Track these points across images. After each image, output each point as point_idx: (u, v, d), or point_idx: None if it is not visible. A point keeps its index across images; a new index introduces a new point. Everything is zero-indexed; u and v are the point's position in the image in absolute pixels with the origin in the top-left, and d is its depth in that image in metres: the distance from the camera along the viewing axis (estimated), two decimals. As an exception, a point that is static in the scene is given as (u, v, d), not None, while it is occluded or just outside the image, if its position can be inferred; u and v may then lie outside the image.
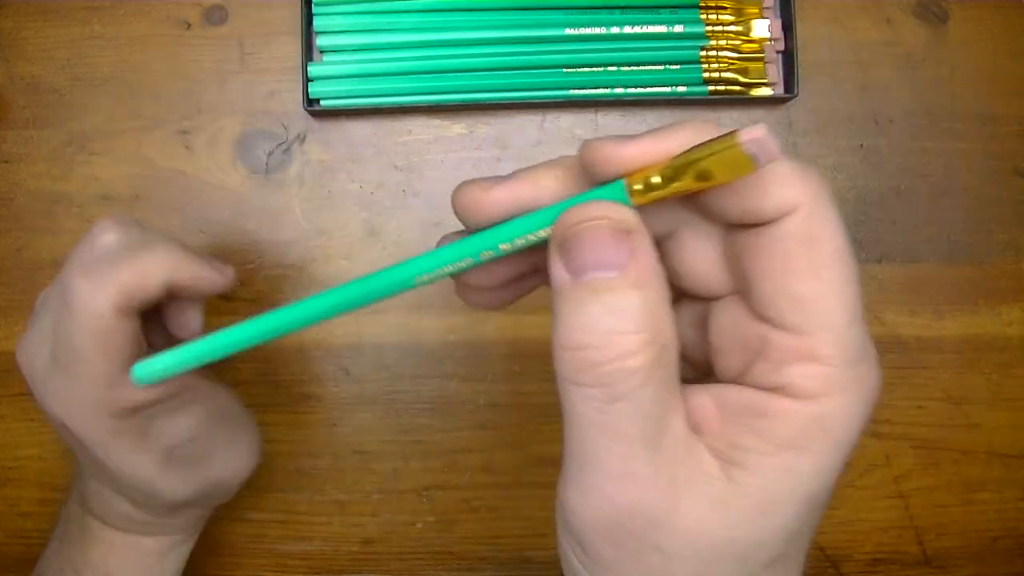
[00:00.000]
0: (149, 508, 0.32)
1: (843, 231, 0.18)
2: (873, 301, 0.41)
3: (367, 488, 0.41)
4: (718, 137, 0.17)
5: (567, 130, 0.41)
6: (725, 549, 0.18)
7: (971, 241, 0.41)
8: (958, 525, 0.41)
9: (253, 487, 0.40)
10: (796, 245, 0.18)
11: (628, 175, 0.18)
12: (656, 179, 0.18)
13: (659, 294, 0.17)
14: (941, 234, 0.41)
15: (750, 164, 0.16)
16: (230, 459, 0.32)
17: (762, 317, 0.18)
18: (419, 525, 0.40)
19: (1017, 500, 0.41)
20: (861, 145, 0.41)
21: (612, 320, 0.17)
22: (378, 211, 0.41)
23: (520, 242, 0.20)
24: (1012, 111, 0.41)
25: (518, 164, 0.41)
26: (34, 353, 0.28)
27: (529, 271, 0.23)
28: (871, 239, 0.41)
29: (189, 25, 0.41)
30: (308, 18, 0.39)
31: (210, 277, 0.29)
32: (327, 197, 0.41)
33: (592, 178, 0.19)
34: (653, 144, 0.18)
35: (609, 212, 0.17)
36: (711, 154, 0.17)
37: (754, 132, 0.16)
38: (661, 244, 0.20)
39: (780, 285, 0.18)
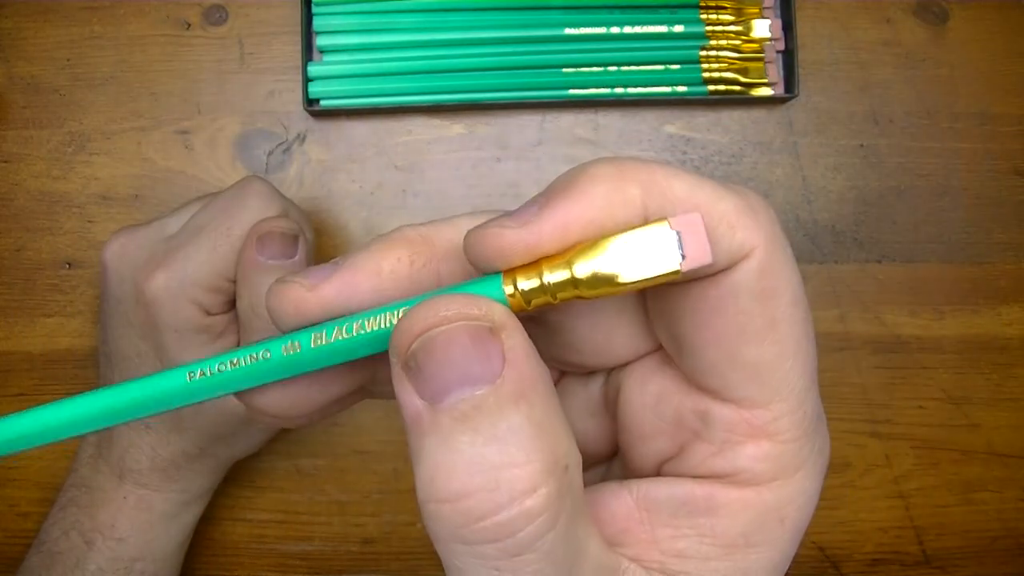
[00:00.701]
0: (184, 437, 0.32)
1: (797, 273, 0.15)
2: (873, 301, 0.41)
3: (367, 488, 0.40)
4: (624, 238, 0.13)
5: (567, 130, 0.41)
6: None
7: (971, 241, 0.41)
8: (958, 525, 0.41)
9: (253, 487, 0.40)
10: (750, 301, 0.14)
11: (512, 268, 0.14)
12: (549, 278, 0.13)
13: (547, 402, 0.13)
14: (941, 234, 0.41)
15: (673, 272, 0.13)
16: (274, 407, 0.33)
17: (701, 388, 0.15)
18: (419, 525, 0.40)
19: (1017, 500, 0.41)
20: (861, 145, 0.41)
21: (493, 453, 0.13)
22: (378, 211, 0.41)
23: (338, 348, 0.14)
24: (1012, 111, 0.41)
25: (518, 164, 0.41)
26: (144, 237, 0.31)
27: (347, 392, 0.17)
28: (871, 239, 0.41)
29: (189, 25, 0.41)
30: (308, 18, 0.39)
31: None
32: (327, 197, 0.41)
33: (483, 267, 0.14)
34: (553, 221, 0.13)
35: (465, 308, 0.13)
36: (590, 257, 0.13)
37: (674, 229, 0.13)
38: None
39: (729, 350, 0.14)
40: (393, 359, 0.13)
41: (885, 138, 0.41)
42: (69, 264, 0.40)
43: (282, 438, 0.41)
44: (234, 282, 0.30)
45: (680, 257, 0.13)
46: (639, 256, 0.13)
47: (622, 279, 0.13)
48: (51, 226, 0.40)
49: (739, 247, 0.14)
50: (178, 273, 0.30)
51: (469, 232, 0.14)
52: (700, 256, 0.13)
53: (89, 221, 0.40)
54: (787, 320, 0.14)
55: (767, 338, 0.14)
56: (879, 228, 0.41)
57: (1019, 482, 0.41)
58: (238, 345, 0.32)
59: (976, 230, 0.41)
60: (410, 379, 0.13)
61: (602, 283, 0.13)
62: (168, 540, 0.35)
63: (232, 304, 0.32)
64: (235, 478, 0.40)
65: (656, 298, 0.15)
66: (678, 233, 0.13)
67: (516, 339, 0.13)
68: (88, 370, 0.40)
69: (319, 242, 0.40)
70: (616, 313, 0.16)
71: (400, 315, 0.14)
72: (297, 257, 0.30)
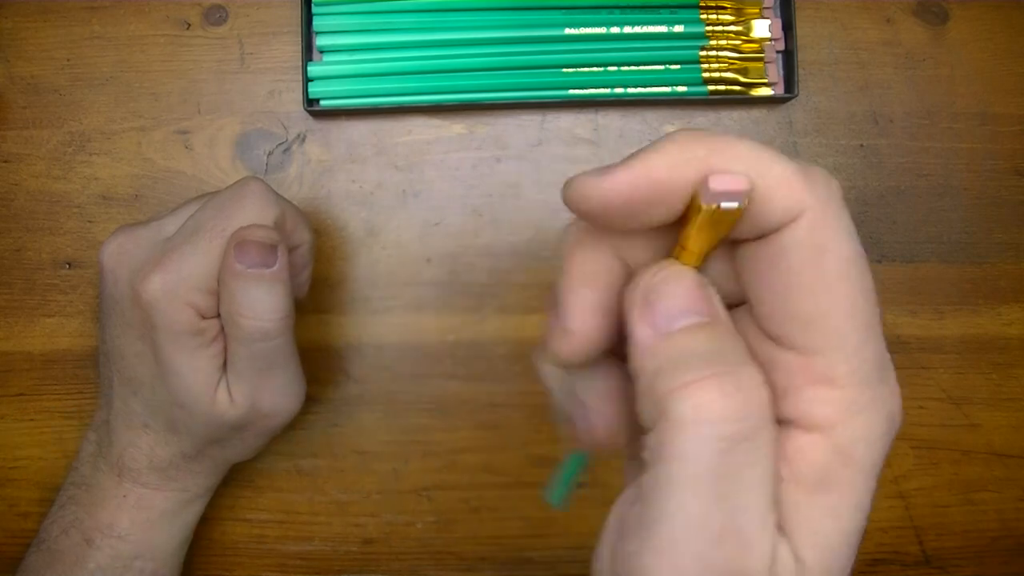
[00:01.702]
0: (180, 438, 0.32)
1: (854, 237, 0.17)
2: (873, 301, 0.41)
3: (367, 488, 0.41)
4: (689, 209, 0.17)
5: (567, 130, 0.41)
6: None
7: (971, 241, 0.41)
8: (958, 525, 0.41)
9: (253, 487, 0.40)
10: (800, 257, 0.16)
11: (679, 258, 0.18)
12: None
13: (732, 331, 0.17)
14: (941, 234, 0.41)
15: (730, 215, 0.16)
16: (279, 395, 0.33)
17: (768, 336, 0.17)
18: (419, 525, 0.40)
19: (1017, 500, 0.41)
20: (861, 145, 0.41)
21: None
22: (378, 211, 0.41)
23: None
24: (1012, 111, 0.41)
25: (518, 164, 0.41)
26: (142, 238, 0.31)
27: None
28: (871, 239, 0.41)
29: (189, 25, 0.41)
30: (308, 18, 0.39)
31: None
32: (327, 197, 0.41)
33: (577, 213, 0.18)
34: (631, 173, 0.16)
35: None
36: (696, 230, 0.17)
37: (716, 183, 0.16)
38: None
39: (785, 302, 0.16)
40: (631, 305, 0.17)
41: (885, 138, 0.41)
42: (69, 264, 0.40)
43: (282, 438, 0.41)
44: None
45: (724, 204, 0.16)
46: (703, 224, 0.16)
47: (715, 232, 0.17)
48: (51, 226, 0.40)
49: (791, 207, 0.16)
50: (173, 275, 0.29)
51: (566, 181, 0.17)
52: (731, 196, 0.16)
53: (89, 221, 0.40)
54: (838, 278, 0.16)
55: (818, 292, 0.16)
56: (879, 228, 0.41)
57: (1019, 482, 0.41)
58: (224, 356, 0.31)
59: (976, 230, 0.41)
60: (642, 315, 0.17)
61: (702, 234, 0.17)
62: (168, 538, 0.35)
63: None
64: (235, 478, 0.40)
65: (738, 257, 0.18)
66: (708, 180, 0.16)
67: (712, 290, 0.17)
68: (88, 370, 0.40)
69: (319, 242, 0.40)
70: (717, 268, 0.19)
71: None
72: (276, 266, 0.30)
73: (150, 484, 0.33)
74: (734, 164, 0.16)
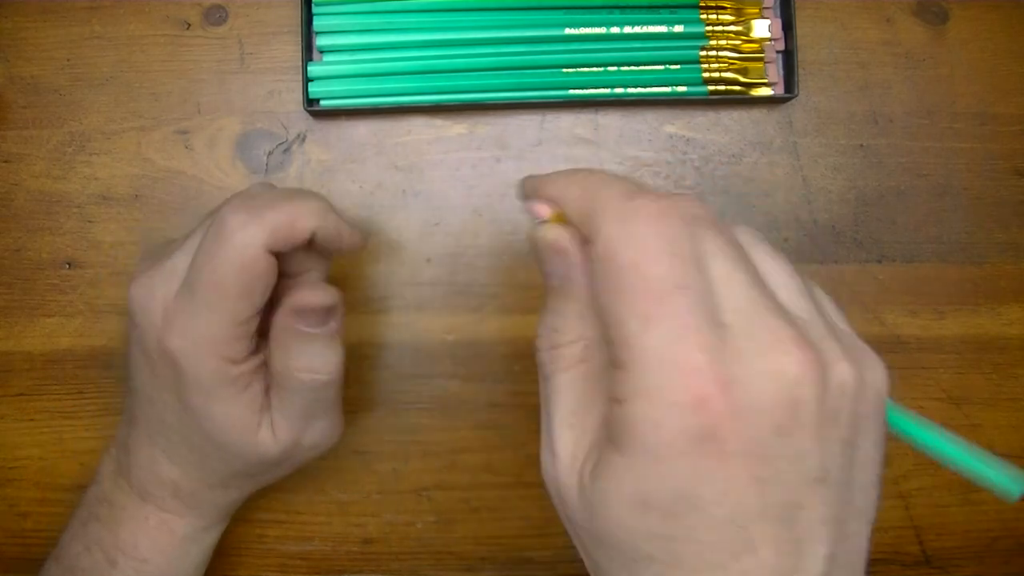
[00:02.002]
0: (206, 473, 0.32)
1: (660, 259, 0.19)
2: (873, 301, 0.41)
3: (367, 488, 0.41)
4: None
5: (567, 130, 0.41)
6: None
7: (971, 241, 0.41)
8: (958, 525, 0.41)
9: (253, 487, 0.41)
10: (597, 271, 0.20)
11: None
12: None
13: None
14: (941, 234, 0.41)
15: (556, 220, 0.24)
16: (324, 433, 0.32)
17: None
18: (419, 525, 0.40)
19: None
20: (861, 145, 0.41)
21: None
22: (378, 211, 0.41)
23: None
24: (1012, 111, 0.41)
25: (518, 164, 0.41)
26: (158, 285, 0.29)
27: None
28: (871, 239, 0.41)
29: (189, 25, 0.41)
30: (308, 18, 0.39)
31: (350, 234, 0.30)
32: (327, 197, 0.40)
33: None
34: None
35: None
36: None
37: (536, 210, 0.24)
38: None
39: (594, 304, 0.21)
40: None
41: (885, 138, 0.41)
42: (69, 264, 0.40)
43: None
44: (247, 323, 0.29)
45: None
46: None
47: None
48: (51, 226, 0.40)
49: (583, 225, 0.21)
50: (191, 332, 0.28)
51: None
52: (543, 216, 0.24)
53: (89, 221, 0.40)
54: (617, 277, 0.20)
55: (605, 290, 0.20)
56: (879, 228, 0.41)
57: (1019, 482, 0.41)
58: (265, 395, 0.31)
59: (976, 230, 0.41)
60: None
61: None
62: (188, 562, 0.34)
63: (255, 348, 0.30)
64: (235, 478, 0.40)
65: None
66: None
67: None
68: (88, 370, 0.40)
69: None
70: None
71: None
72: (332, 325, 0.30)
73: (171, 510, 0.33)
74: (567, 190, 0.23)
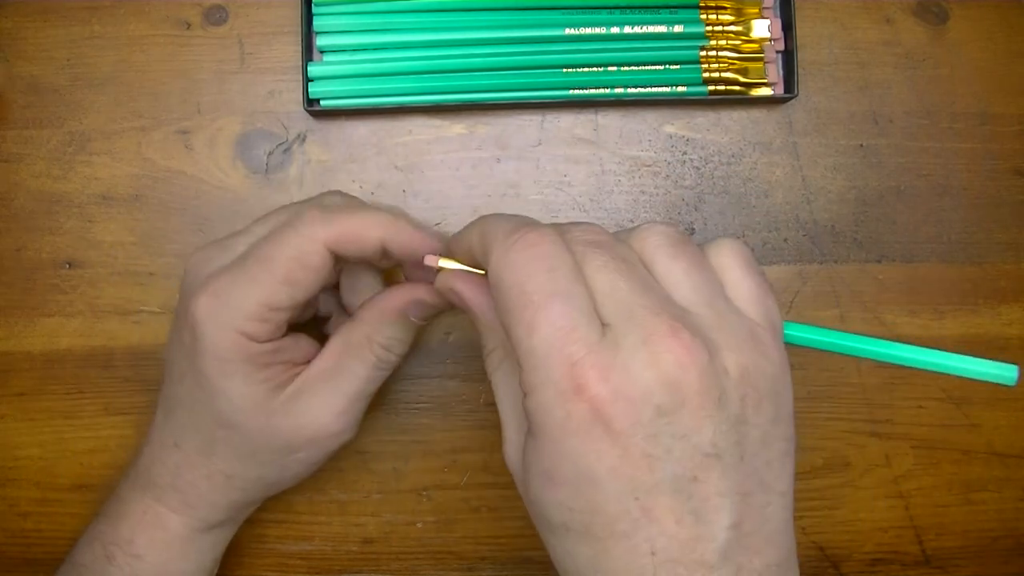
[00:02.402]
0: (211, 461, 0.32)
1: (529, 265, 0.23)
2: (873, 301, 0.41)
3: (367, 488, 0.41)
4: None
5: (567, 130, 0.41)
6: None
7: (971, 241, 0.41)
8: (958, 525, 0.41)
9: (253, 487, 0.40)
10: (492, 287, 0.24)
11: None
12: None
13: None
14: (941, 234, 0.41)
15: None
16: (347, 419, 0.32)
17: None
18: (419, 525, 0.40)
19: (1017, 500, 0.41)
20: (861, 145, 0.41)
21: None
22: (378, 211, 0.41)
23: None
24: (1012, 111, 0.41)
25: (518, 164, 0.41)
26: (214, 257, 0.31)
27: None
28: (871, 239, 0.41)
29: (189, 25, 0.41)
30: (308, 18, 0.39)
31: (429, 245, 0.31)
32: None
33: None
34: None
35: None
36: None
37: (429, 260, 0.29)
38: None
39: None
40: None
41: (885, 138, 0.41)
42: (69, 264, 0.40)
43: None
44: (280, 310, 0.29)
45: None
46: None
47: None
48: (51, 226, 0.40)
49: (485, 265, 0.25)
50: (222, 299, 0.29)
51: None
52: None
53: (89, 221, 0.40)
54: (515, 304, 0.23)
55: (504, 315, 0.23)
56: (879, 228, 0.41)
57: (1019, 482, 0.41)
58: (286, 376, 0.31)
59: (976, 230, 0.41)
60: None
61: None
62: (185, 565, 0.34)
63: (280, 331, 0.31)
64: (235, 478, 0.40)
65: None
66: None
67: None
68: (88, 370, 0.40)
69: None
70: None
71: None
72: (422, 323, 0.33)
73: (169, 504, 0.33)
74: (470, 239, 0.27)
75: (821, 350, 0.27)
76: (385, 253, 0.31)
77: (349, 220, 0.30)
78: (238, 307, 0.29)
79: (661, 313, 0.22)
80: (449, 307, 0.32)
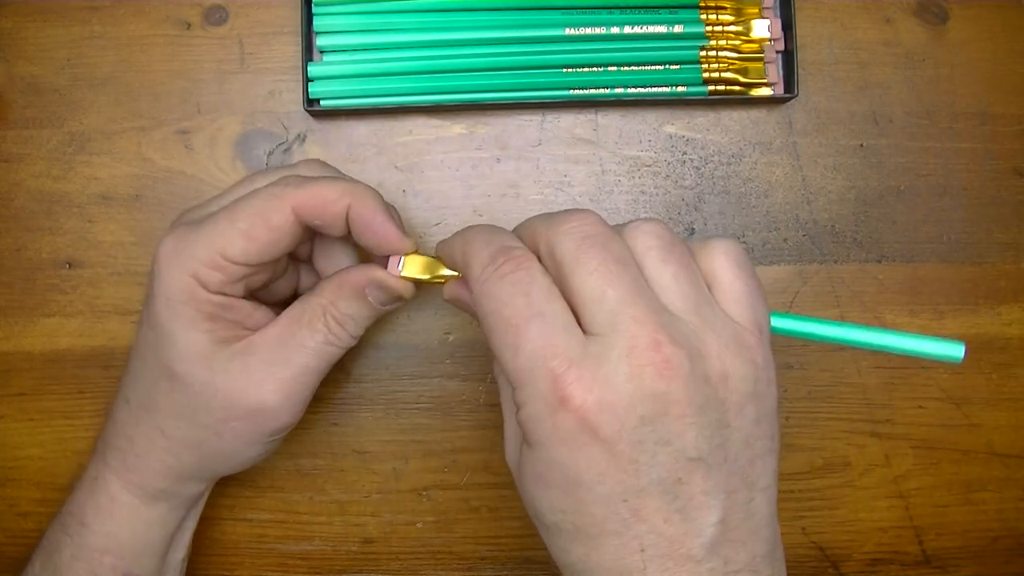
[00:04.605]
0: (152, 416, 0.31)
1: (505, 292, 0.24)
2: (873, 301, 0.41)
3: (367, 488, 0.41)
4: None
5: (567, 130, 0.41)
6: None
7: (971, 241, 0.41)
8: (958, 525, 0.41)
9: (253, 487, 0.40)
10: (476, 310, 0.26)
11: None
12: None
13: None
14: (941, 234, 0.41)
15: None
16: (288, 395, 0.31)
17: None
18: (419, 525, 0.41)
19: (1017, 500, 0.41)
20: (861, 145, 0.41)
21: None
22: (378, 211, 0.41)
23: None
24: (1012, 111, 0.41)
25: (518, 164, 0.41)
26: (192, 212, 0.32)
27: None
28: (871, 239, 0.41)
29: (189, 25, 0.41)
30: (308, 18, 0.39)
31: (394, 234, 0.31)
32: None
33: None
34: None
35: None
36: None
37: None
38: None
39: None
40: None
41: (885, 138, 0.41)
42: (69, 264, 0.40)
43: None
44: (237, 265, 0.30)
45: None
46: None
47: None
48: (51, 226, 0.40)
49: (456, 265, 0.29)
50: (182, 243, 0.30)
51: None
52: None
53: (89, 221, 0.40)
54: (497, 329, 0.25)
55: (489, 338, 0.25)
56: (879, 228, 0.41)
57: (1019, 482, 0.41)
58: (232, 334, 0.31)
59: (976, 230, 0.41)
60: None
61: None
62: (130, 538, 0.32)
63: (233, 291, 0.31)
64: (235, 478, 0.40)
65: None
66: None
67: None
68: (88, 370, 0.40)
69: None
70: None
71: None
72: (387, 308, 0.33)
73: (112, 467, 0.32)
74: (452, 251, 0.29)
75: (804, 339, 0.28)
76: (350, 229, 0.31)
77: (316, 186, 0.30)
78: (193, 251, 0.29)
79: (646, 323, 0.23)
80: (406, 301, 0.32)
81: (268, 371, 0.30)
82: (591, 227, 0.25)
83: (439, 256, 0.30)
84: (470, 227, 0.28)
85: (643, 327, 0.23)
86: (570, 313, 0.24)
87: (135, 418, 0.32)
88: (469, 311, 0.30)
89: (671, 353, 0.23)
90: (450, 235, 0.29)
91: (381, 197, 0.31)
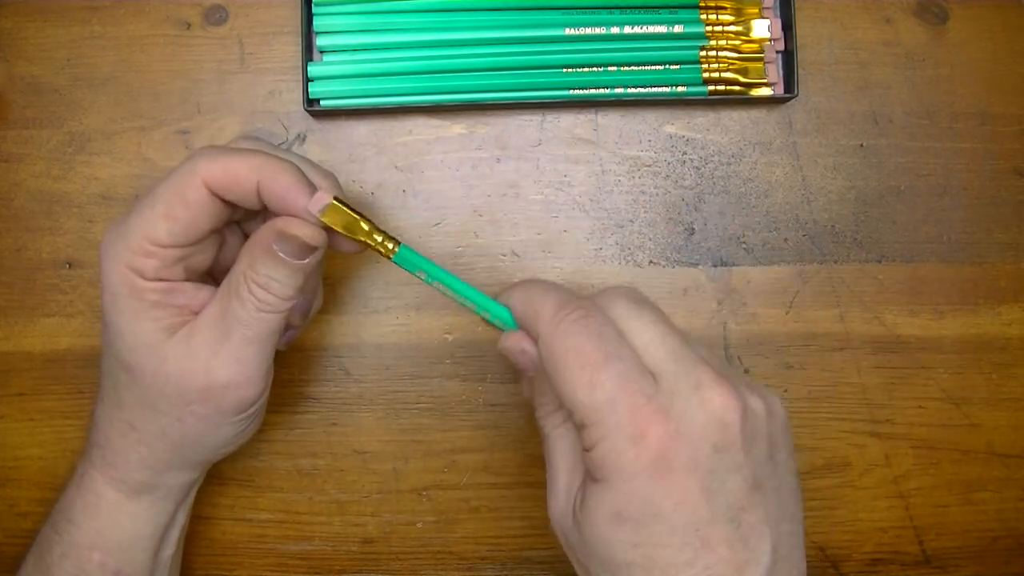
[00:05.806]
0: (122, 411, 0.31)
1: (581, 334, 0.26)
2: (873, 301, 0.41)
3: (367, 488, 0.41)
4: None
5: (567, 130, 0.41)
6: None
7: (971, 241, 0.41)
8: (958, 525, 0.41)
9: (253, 487, 0.41)
10: (542, 356, 0.27)
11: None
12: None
13: None
14: (941, 234, 0.41)
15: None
16: (240, 370, 0.30)
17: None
18: (419, 525, 0.40)
19: (1017, 500, 0.41)
20: (861, 145, 0.41)
21: None
22: (378, 211, 0.41)
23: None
24: (1012, 111, 0.41)
25: (518, 164, 0.41)
26: (136, 206, 0.31)
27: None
28: (871, 239, 0.41)
29: (189, 25, 0.41)
30: (308, 18, 0.39)
31: (295, 192, 0.29)
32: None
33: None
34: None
35: None
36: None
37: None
38: None
39: (549, 379, 0.27)
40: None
41: (885, 138, 0.41)
42: (69, 264, 0.40)
43: (282, 438, 0.41)
44: (167, 248, 0.29)
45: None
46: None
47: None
48: (51, 226, 0.40)
49: (533, 335, 0.29)
50: (115, 234, 0.30)
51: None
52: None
53: (89, 221, 0.40)
54: (572, 368, 0.26)
55: (559, 380, 0.26)
56: (879, 228, 0.41)
57: (1019, 482, 0.41)
58: (178, 320, 0.30)
59: (976, 230, 0.41)
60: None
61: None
62: (117, 533, 0.32)
63: (173, 275, 0.30)
64: (235, 478, 0.40)
65: None
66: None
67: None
68: (88, 370, 0.40)
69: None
70: None
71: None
72: (308, 261, 0.30)
73: (95, 464, 0.32)
74: (513, 301, 0.29)
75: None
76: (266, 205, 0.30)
77: (227, 158, 0.29)
78: (125, 242, 0.29)
79: (702, 364, 0.26)
80: (317, 250, 0.30)
81: (212, 349, 0.30)
82: (627, 301, 0.28)
83: (501, 302, 0.30)
84: (525, 280, 0.30)
85: (703, 366, 0.26)
86: (638, 357, 0.26)
87: (108, 414, 0.32)
88: (521, 363, 0.29)
89: (732, 387, 0.25)
90: (503, 289, 0.30)
91: (298, 170, 0.30)
